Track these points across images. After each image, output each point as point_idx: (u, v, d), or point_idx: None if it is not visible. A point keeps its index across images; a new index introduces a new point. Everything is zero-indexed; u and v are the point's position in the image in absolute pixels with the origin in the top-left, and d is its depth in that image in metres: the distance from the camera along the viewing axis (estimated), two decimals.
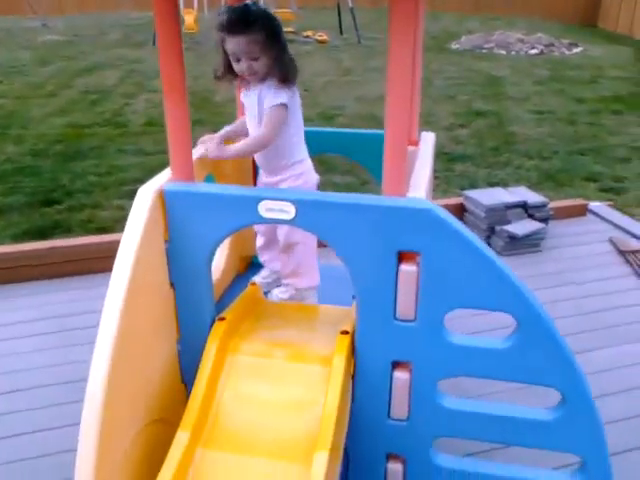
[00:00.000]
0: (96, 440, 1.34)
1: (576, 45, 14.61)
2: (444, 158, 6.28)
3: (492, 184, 5.39)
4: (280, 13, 15.21)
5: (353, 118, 7.28)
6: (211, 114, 7.69)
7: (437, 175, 5.80)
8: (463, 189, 5.46)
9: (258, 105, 1.84)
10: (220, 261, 2.08)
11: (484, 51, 13.87)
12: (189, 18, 14.92)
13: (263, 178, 2.01)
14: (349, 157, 2.20)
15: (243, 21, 1.72)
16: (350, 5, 14.61)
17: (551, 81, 10.36)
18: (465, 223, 3.79)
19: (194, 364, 1.58)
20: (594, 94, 9.37)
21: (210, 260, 1.61)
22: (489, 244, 3.61)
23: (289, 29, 14.55)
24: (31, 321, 2.92)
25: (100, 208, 5.11)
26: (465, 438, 1.66)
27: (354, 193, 1.52)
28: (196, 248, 1.56)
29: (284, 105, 1.80)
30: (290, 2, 15.54)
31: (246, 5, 1.82)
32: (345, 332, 1.57)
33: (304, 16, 16.76)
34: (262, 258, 2.16)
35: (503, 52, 13.72)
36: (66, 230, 4.59)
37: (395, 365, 1.58)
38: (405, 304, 1.48)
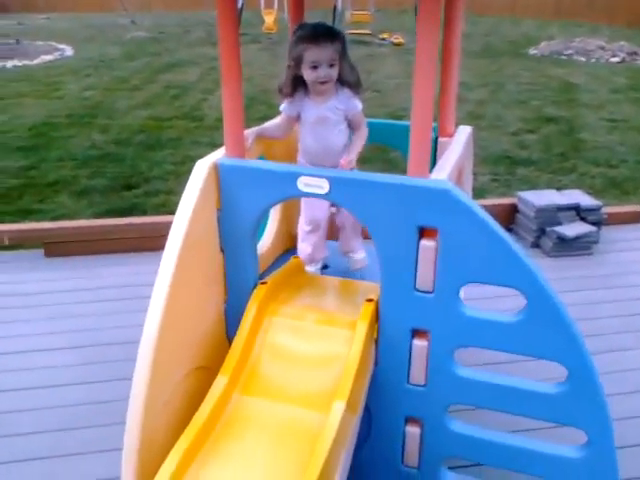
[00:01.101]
0: (149, 373, 1.58)
1: None
2: (507, 162, 6.30)
3: (553, 189, 5.39)
4: (357, 15, 15.45)
5: None
6: (275, 112, 7.99)
7: (497, 178, 5.84)
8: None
9: (335, 113, 2.05)
10: (269, 235, 2.29)
11: (563, 57, 13.57)
12: (269, 18, 15.39)
13: None
14: (391, 146, 2.37)
15: (328, 33, 1.99)
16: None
17: (629, 90, 10.06)
18: (516, 223, 3.87)
19: (238, 322, 1.79)
20: None
21: (256, 229, 1.82)
22: (538, 245, 3.68)
23: (365, 31, 14.75)
24: (98, 288, 3.25)
25: (173, 194, 5.47)
26: (476, 406, 1.80)
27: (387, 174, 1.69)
28: (244, 217, 1.77)
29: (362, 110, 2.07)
30: (368, 4, 15.71)
31: (323, 23, 2.07)
32: (370, 300, 1.74)
33: (382, 18, 16.92)
34: (306, 250, 2.24)
35: (583, 59, 13.38)
36: (142, 212, 4.97)
37: (414, 333, 1.74)
38: (424, 276, 1.64)
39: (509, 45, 15.23)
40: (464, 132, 2.17)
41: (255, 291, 1.81)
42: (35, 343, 2.79)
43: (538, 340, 1.60)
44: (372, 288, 1.87)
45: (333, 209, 2.22)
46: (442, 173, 1.67)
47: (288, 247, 2.39)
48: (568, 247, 3.57)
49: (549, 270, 3.41)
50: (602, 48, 13.98)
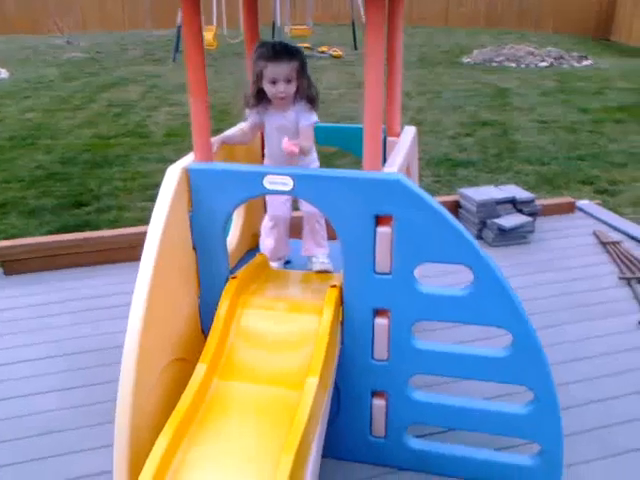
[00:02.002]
0: (135, 362, 1.70)
1: (586, 58, 14.88)
2: (448, 164, 6.63)
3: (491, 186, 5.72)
4: (297, 29, 15.76)
5: None
6: (229, 125, 8.12)
7: (440, 180, 6.15)
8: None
9: (291, 123, 2.23)
10: (235, 235, 2.44)
11: (494, 64, 14.22)
12: (208, 35, 15.48)
13: None
14: (344, 148, 2.57)
15: (287, 51, 2.16)
16: (364, 21, 15.06)
17: (558, 92, 10.67)
18: (459, 218, 4.13)
19: (211, 315, 1.93)
20: (599, 104, 9.66)
21: (225, 227, 1.97)
22: (481, 237, 3.94)
23: (305, 44, 15.06)
24: (66, 301, 3.31)
25: (125, 210, 5.52)
26: (435, 374, 2.00)
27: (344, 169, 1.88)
28: (214, 216, 1.92)
29: (315, 123, 2.24)
30: (306, 19, 16.04)
31: (282, 42, 2.25)
32: (334, 286, 1.92)
33: (320, 32, 17.29)
34: (269, 245, 2.40)
35: (513, 65, 14.06)
36: (95, 229, 4.99)
37: (376, 313, 1.92)
38: (382, 260, 1.83)
39: (444, 55, 15.83)
40: (410, 132, 2.39)
41: (227, 285, 1.95)
42: (7, 356, 2.84)
43: (485, 310, 1.82)
44: (335, 277, 2.05)
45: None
46: (393, 167, 1.87)
47: (252, 247, 2.55)
48: (507, 237, 3.84)
49: (493, 259, 3.68)
50: (531, 54, 14.71)
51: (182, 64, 14.13)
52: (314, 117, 2.24)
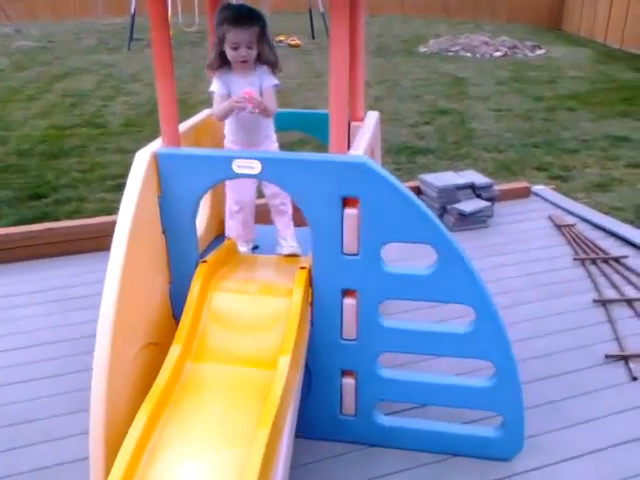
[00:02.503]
0: (109, 348, 1.71)
1: (539, 47, 15.24)
2: (408, 152, 6.73)
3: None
4: None
5: None
6: (187, 115, 8.05)
7: (400, 167, 6.25)
8: None
9: (255, 88, 2.25)
10: (202, 222, 2.46)
11: (450, 54, 14.42)
12: None
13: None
14: (306, 132, 2.61)
15: (248, 16, 2.19)
16: (322, 10, 15.08)
17: (512, 81, 10.91)
18: None
19: (182, 300, 1.95)
20: (552, 93, 9.93)
21: (195, 211, 1.98)
22: (442, 222, 4.03)
23: None
24: (32, 293, 3.27)
25: (85, 201, 5.43)
26: (402, 352, 2.07)
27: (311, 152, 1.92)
28: (183, 200, 1.93)
29: (277, 85, 2.29)
30: (262, 7, 15.91)
31: (245, 4, 2.27)
32: (303, 267, 1.96)
33: (277, 21, 17.20)
34: (236, 229, 2.44)
35: (469, 55, 14.29)
36: (54, 221, 4.91)
37: (344, 293, 1.97)
38: (350, 241, 1.88)
39: (401, 44, 15.97)
40: (372, 117, 2.45)
41: (197, 269, 1.97)
42: None
43: (449, 288, 1.89)
44: (304, 260, 2.09)
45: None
46: (358, 150, 1.92)
47: (219, 233, 2.56)
48: (467, 222, 3.95)
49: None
50: (486, 43, 14.97)
51: (137, 52, 13.91)
52: (275, 80, 2.30)
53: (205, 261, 2.00)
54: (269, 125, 2.35)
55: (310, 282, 1.97)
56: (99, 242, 3.45)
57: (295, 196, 1.88)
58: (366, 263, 1.90)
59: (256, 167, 1.85)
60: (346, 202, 1.85)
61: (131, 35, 14.49)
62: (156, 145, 1.96)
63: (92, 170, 6.26)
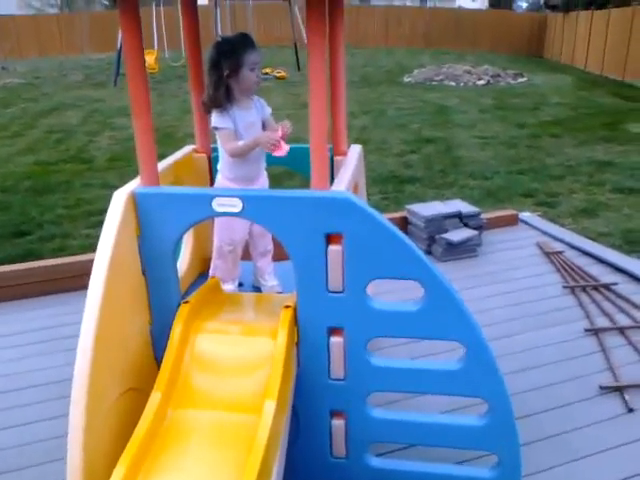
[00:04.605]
0: (85, 396, 1.64)
1: (521, 75, 15.51)
2: (395, 181, 6.74)
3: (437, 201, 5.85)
4: None
5: None
6: (174, 148, 8.04)
7: (387, 196, 6.24)
8: None
9: (258, 118, 2.29)
10: (185, 259, 2.40)
11: (434, 83, 14.63)
12: (150, 58, 15.37)
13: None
14: (291, 167, 2.57)
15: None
16: (307, 43, 15.27)
17: (496, 109, 11.05)
18: (408, 234, 4.18)
19: (164, 342, 1.88)
20: (535, 119, 10.05)
21: (175, 251, 1.93)
22: (430, 252, 4.01)
23: None
24: (12, 334, 3.17)
25: (70, 238, 5.36)
26: (392, 391, 2.00)
27: (293, 189, 1.88)
28: (163, 240, 1.88)
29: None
30: None
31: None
32: (287, 306, 1.90)
33: (263, 54, 17.41)
34: (224, 268, 2.39)
35: (452, 84, 14.50)
36: (38, 258, 4.82)
37: (331, 331, 1.91)
38: (334, 278, 1.83)
39: (386, 74, 16.20)
40: (355, 150, 2.42)
41: (179, 310, 1.91)
42: None
43: (437, 324, 1.83)
44: (288, 297, 2.03)
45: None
46: (341, 185, 1.88)
47: (202, 271, 2.51)
48: (456, 251, 3.92)
49: (443, 273, 3.74)
50: (469, 72, 15.22)
51: (124, 88, 13.96)
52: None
53: (187, 302, 1.93)
54: (264, 158, 2.36)
55: (295, 321, 1.91)
56: (83, 280, 3.35)
57: (278, 234, 1.84)
58: (352, 300, 1.84)
59: (237, 205, 1.81)
60: (330, 238, 1.80)
61: (117, 70, 14.59)
62: (134, 184, 1.91)
63: (77, 206, 6.20)
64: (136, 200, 1.86)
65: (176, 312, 1.91)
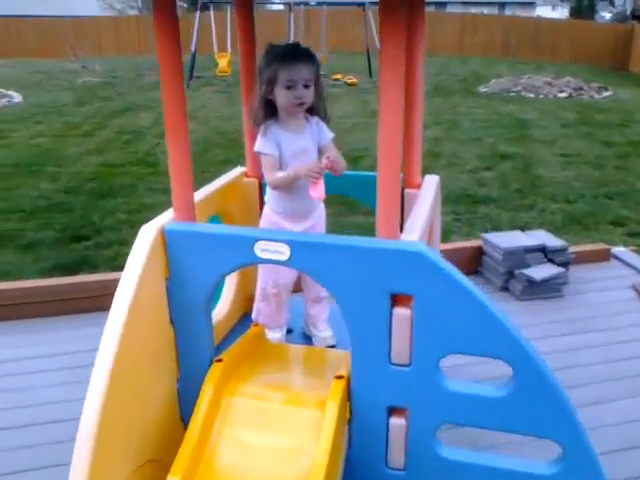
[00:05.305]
0: (87, 473, 1.35)
1: (605, 89, 14.57)
2: (467, 200, 6.27)
3: (516, 227, 5.35)
4: None
5: (377, 159, 7.35)
6: (238, 155, 7.88)
7: (460, 217, 5.79)
8: (486, 232, 5.43)
9: (312, 144, 1.93)
10: (226, 299, 2.10)
11: (512, 94, 13.93)
12: (223, 61, 15.44)
13: (286, 227, 1.92)
14: (354, 196, 2.23)
15: (304, 51, 1.87)
16: (379, 49, 14.95)
17: (579, 124, 10.31)
18: (483, 266, 3.76)
19: (193, 402, 1.58)
20: (623, 138, 9.29)
21: (209, 299, 1.62)
22: (507, 288, 3.57)
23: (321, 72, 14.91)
24: (45, 357, 2.97)
25: (127, 245, 5.19)
26: None
27: (352, 236, 1.53)
28: (195, 286, 1.58)
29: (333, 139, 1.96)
30: (321, 46, 15.95)
31: (298, 43, 1.96)
32: (340, 377, 1.56)
33: (335, 60, 17.17)
34: (268, 314, 2.08)
35: (531, 95, 13.76)
36: (93, 266, 4.70)
37: (391, 411, 1.56)
38: (399, 348, 1.47)
39: (460, 83, 15.60)
40: (431, 182, 2.04)
41: (210, 370, 1.60)
42: None
43: (529, 417, 1.44)
44: (343, 358, 1.69)
45: None
46: (414, 233, 1.51)
47: (247, 310, 2.20)
48: (538, 290, 3.47)
49: (521, 315, 3.30)
50: (549, 84, 14.43)
51: (196, 90, 14.03)
52: (331, 133, 1.98)
53: (220, 360, 1.62)
54: None
55: (348, 395, 1.56)
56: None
57: (331, 289, 1.50)
58: (420, 377, 1.48)
59: (284, 252, 1.48)
60: (396, 300, 1.45)
61: (191, 73, 14.69)
62: (166, 218, 1.62)
63: (138, 211, 6.07)
64: (166, 237, 1.56)
65: (207, 371, 1.61)
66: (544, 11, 35.86)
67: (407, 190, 1.98)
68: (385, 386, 1.52)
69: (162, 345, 1.64)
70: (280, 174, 1.84)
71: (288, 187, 1.85)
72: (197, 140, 9.13)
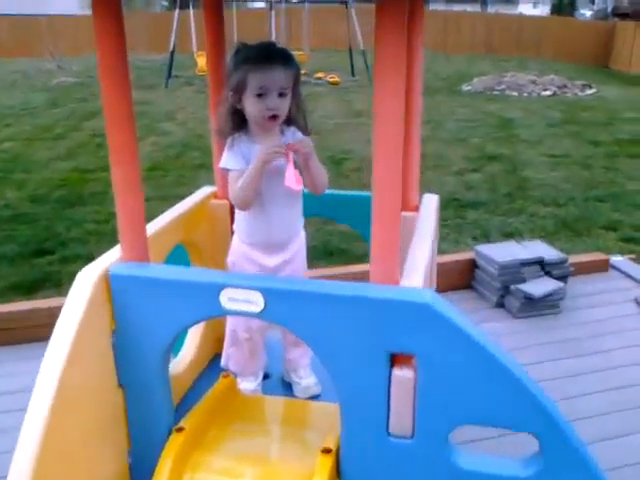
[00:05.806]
0: None
1: (589, 86, 14.47)
2: (455, 205, 6.02)
3: (506, 234, 5.13)
4: (295, 55, 15.39)
5: (362, 161, 7.08)
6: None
7: (447, 223, 5.53)
8: (475, 239, 5.17)
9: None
10: (193, 342, 1.79)
11: (496, 93, 13.74)
12: (202, 60, 15.06)
13: (259, 260, 1.65)
14: (336, 219, 1.94)
15: (280, 53, 1.57)
16: (362, 47, 14.72)
17: (565, 123, 10.14)
18: (476, 281, 3.51)
19: (148, 477, 1.29)
20: (610, 137, 9.13)
21: (166, 357, 1.34)
22: (503, 305, 3.32)
23: (302, 71, 14.63)
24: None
25: (93, 260, 4.87)
26: None
27: (341, 282, 1.24)
28: (148, 342, 1.29)
29: None
30: (303, 44, 15.69)
31: (273, 42, 1.67)
32: (327, 450, 1.28)
33: (317, 58, 16.87)
34: (239, 360, 1.79)
35: (515, 94, 13.59)
36: (56, 284, 4.36)
37: None
38: (400, 417, 1.20)
39: (443, 82, 15.41)
40: (430, 203, 1.76)
41: (169, 441, 1.32)
42: None
43: None
44: (330, 415, 1.41)
45: None
46: (416, 277, 1.23)
47: (218, 351, 1.90)
48: (536, 307, 3.22)
49: (518, 335, 3.06)
50: (533, 82, 14.30)
51: (174, 90, 13.66)
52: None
53: (181, 428, 1.34)
54: (300, 213, 1.70)
55: (337, 471, 1.29)
56: None
57: (316, 348, 1.21)
58: (425, 451, 1.21)
59: (257, 302, 1.20)
60: (396, 360, 1.17)
61: (169, 72, 14.33)
62: (112, 258, 1.32)
63: (107, 221, 5.71)
64: (110, 283, 1.27)
65: (166, 441, 1.32)
66: (526, 8, 36.01)
67: (404, 213, 1.69)
68: (382, 462, 1.24)
69: (108, 414, 1.34)
70: (239, 181, 1.54)
71: (255, 192, 1.54)
72: (174, 143, 8.79)
